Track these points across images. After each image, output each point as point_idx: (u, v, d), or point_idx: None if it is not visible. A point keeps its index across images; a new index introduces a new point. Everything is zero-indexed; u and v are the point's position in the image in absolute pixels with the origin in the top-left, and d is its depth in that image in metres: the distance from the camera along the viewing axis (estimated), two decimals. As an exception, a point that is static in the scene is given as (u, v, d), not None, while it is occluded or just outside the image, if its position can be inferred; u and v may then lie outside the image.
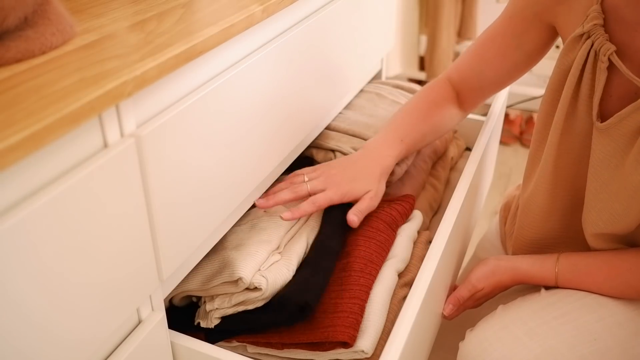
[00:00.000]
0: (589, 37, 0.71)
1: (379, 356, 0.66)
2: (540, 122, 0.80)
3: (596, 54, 0.71)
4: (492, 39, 0.86)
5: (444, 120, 0.92)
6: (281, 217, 0.74)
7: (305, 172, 0.83)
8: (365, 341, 0.66)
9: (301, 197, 0.78)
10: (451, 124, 0.94)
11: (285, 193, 0.78)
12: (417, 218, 0.86)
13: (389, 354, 0.61)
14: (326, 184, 0.79)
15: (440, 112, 0.91)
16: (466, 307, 0.84)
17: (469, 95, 0.93)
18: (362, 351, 0.65)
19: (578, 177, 0.78)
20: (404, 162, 0.99)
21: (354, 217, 0.77)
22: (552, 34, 0.81)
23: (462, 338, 0.79)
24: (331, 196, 0.78)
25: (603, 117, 0.72)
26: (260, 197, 0.79)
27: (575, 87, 0.73)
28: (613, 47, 0.69)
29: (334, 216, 0.80)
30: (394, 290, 0.75)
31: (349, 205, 0.81)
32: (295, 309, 0.66)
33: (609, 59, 0.69)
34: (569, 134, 0.76)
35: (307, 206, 0.76)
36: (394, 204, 0.84)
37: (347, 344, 0.65)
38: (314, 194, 0.78)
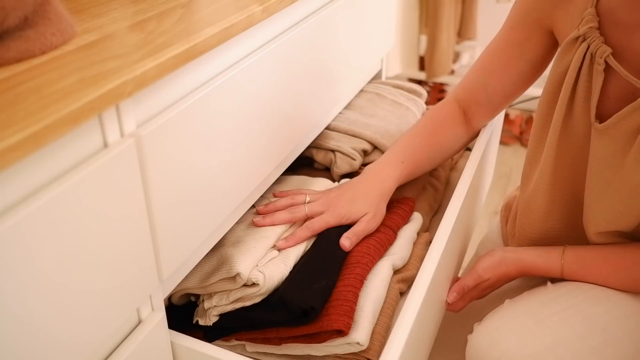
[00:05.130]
0: (584, 40, 0.72)
1: (378, 352, 0.66)
2: (538, 123, 0.81)
3: (592, 57, 0.71)
4: (495, 51, 0.86)
5: (449, 142, 0.92)
6: (277, 247, 0.74)
7: (308, 193, 0.82)
8: (360, 333, 0.66)
9: (298, 220, 0.78)
10: (457, 144, 0.94)
11: (282, 214, 0.77)
12: (416, 220, 0.86)
13: (389, 353, 0.61)
14: (324, 206, 0.79)
15: (445, 132, 0.91)
16: (471, 298, 0.84)
17: (477, 111, 0.92)
18: (357, 343, 0.65)
19: (577, 176, 0.78)
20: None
21: (346, 240, 0.75)
22: (553, 41, 0.81)
23: (463, 336, 0.79)
24: (327, 219, 0.77)
25: (601, 117, 0.73)
26: (258, 206, 0.80)
27: (572, 90, 0.74)
28: (609, 50, 0.69)
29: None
30: (390, 284, 0.75)
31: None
32: (301, 313, 0.66)
33: (606, 62, 0.70)
34: (567, 135, 0.76)
35: (302, 232, 0.76)
36: (395, 208, 0.85)
37: (342, 332, 0.65)
38: (312, 217, 0.78)
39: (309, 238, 0.77)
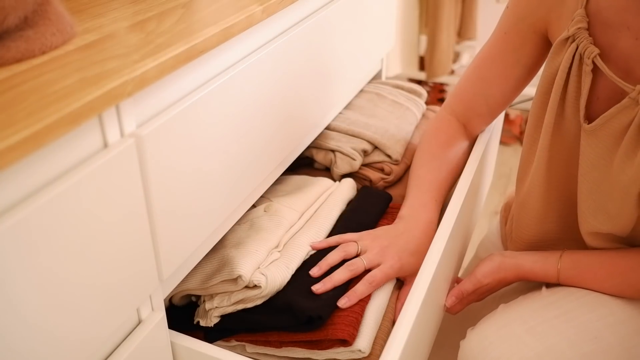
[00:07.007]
0: (573, 40, 0.72)
1: (378, 356, 0.66)
2: (531, 124, 0.81)
3: (581, 57, 0.71)
4: (491, 59, 0.86)
5: (461, 160, 0.93)
6: (339, 305, 0.69)
7: (355, 239, 0.77)
8: (362, 340, 0.66)
9: (357, 275, 0.73)
10: (466, 157, 0.95)
11: (342, 274, 0.71)
12: None
13: (389, 354, 0.61)
14: (381, 257, 0.75)
15: (457, 154, 0.92)
16: (469, 301, 0.84)
17: (477, 121, 0.93)
18: (359, 350, 0.65)
19: (570, 177, 0.78)
20: (403, 161, 0.99)
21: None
22: (547, 43, 0.81)
23: (463, 337, 0.79)
24: (388, 272, 0.73)
25: (591, 118, 0.73)
26: (312, 269, 0.72)
27: (562, 90, 0.74)
28: (597, 50, 0.70)
29: (349, 225, 0.80)
30: (392, 289, 0.75)
31: (365, 213, 0.82)
32: (307, 320, 0.66)
33: (593, 62, 0.70)
34: (559, 136, 0.77)
35: (363, 288, 0.71)
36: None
37: (346, 342, 0.65)
38: (370, 268, 0.74)
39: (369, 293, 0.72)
